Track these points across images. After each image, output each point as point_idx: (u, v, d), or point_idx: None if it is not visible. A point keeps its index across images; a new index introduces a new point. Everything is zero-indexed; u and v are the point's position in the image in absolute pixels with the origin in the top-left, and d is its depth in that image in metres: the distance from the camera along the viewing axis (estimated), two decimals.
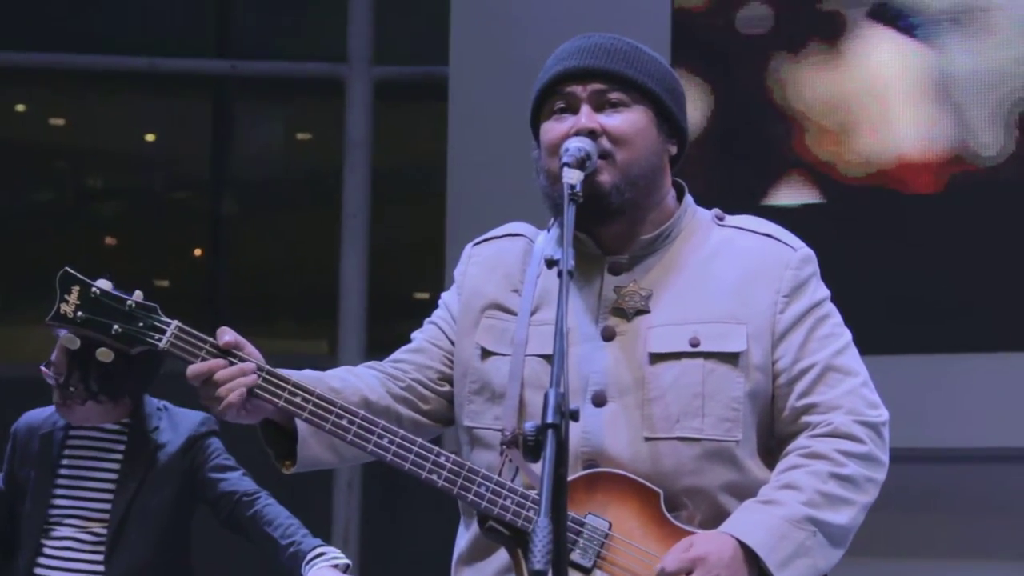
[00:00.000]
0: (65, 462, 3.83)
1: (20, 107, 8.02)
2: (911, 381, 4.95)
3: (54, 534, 3.79)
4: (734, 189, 5.31)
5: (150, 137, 7.93)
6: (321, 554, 3.68)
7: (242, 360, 2.56)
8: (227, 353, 2.56)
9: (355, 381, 2.70)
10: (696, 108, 5.29)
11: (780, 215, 2.90)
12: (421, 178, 7.20)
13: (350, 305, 6.84)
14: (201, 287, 7.55)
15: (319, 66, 7.12)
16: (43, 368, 3.77)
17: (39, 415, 3.92)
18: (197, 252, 7.63)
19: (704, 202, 2.79)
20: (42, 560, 3.79)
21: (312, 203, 7.74)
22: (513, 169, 5.00)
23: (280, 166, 7.88)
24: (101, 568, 3.77)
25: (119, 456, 3.82)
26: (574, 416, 2.17)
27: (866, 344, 2.72)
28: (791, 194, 5.36)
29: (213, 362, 2.55)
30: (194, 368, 2.56)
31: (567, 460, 2.16)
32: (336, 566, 3.65)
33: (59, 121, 8.09)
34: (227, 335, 2.58)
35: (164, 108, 7.86)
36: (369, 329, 6.93)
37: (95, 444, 3.83)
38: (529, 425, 2.16)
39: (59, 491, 3.81)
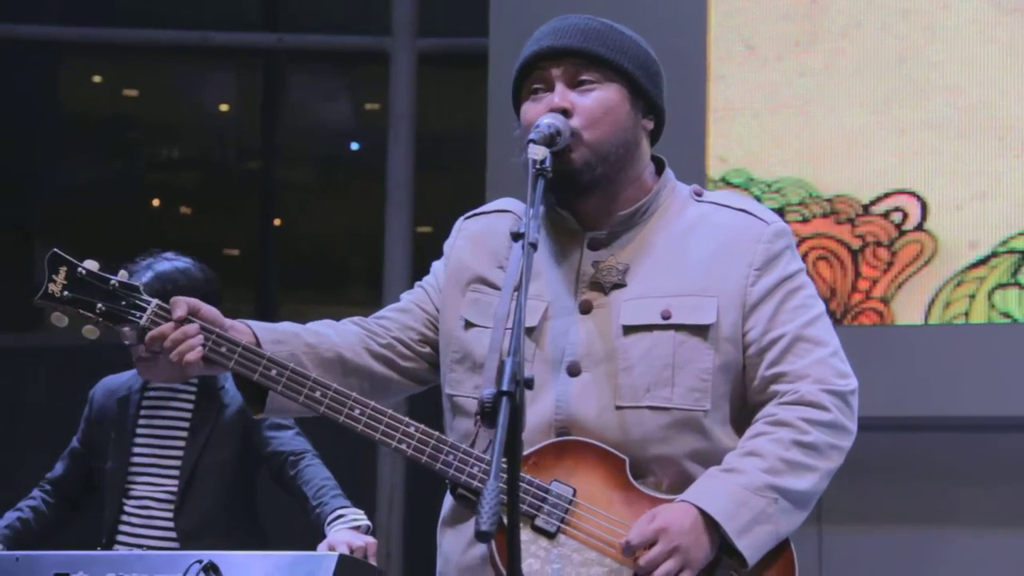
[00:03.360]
0: (142, 422, 3.95)
1: (97, 78, 8.17)
2: None
3: (133, 493, 3.92)
4: None
5: (224, 107, 8.04)
6: (341, 516, 3.75)
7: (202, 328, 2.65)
8: (187, 323, 2.66)
9: (332, 336, 2.78)
10: None
11: None
12: (465, 149, 7.25)
13: (394, 276, 6.90)
14: (266, 257, 7.66)
15: (363, 39, 7.17)
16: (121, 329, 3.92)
17: (116, 380, 4.04)
18: (277, 222, 7.72)
19: None
20: (124, 518, 3.92)
21: (359, 175, 7.82)
22: None
23: (328, 137, 7.96)
24: (172, 523, 3.89)
25: (188, 413, 3.94)
26: (528, 384, 2.23)
27: None
28: None
29: (165, 327, 2.66)
30: (152, 334, 2.66)
31: (522, 426, 2.23)
32: (358, 528, 3.74)
33: (132, 92, 8.22)
34: (179, 308, 2.67)
35: (225, 80, 7.97)
36: None
37: (168, 404, 3.95)
38: (486, 392, 2.22)
39: (137, 448, 3.94)
